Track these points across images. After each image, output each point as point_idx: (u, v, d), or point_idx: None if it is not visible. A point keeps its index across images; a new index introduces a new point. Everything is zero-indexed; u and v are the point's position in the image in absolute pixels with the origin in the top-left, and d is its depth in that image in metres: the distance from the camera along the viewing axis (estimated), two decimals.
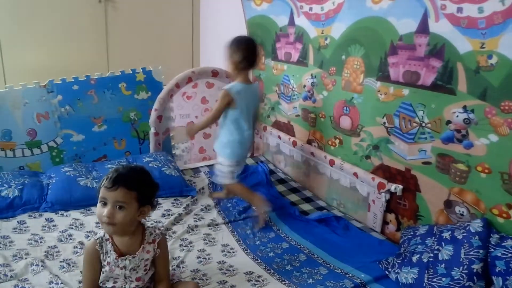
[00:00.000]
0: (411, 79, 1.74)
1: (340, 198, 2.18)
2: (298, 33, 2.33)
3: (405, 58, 1.74)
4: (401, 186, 1.83)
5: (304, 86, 2.35)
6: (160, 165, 2.31)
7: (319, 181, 2.31)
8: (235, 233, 1.92)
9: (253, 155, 2.89)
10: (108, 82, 2.44)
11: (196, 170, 2.54)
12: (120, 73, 2.48)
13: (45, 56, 2.95)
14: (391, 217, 1.93)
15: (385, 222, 1.95)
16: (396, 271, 1.55)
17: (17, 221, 1.86)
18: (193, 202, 2.18)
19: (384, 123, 1.88)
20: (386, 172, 1.91)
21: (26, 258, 1.61)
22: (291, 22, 2.37)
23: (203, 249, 1.77)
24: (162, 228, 1.82)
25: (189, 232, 1.89)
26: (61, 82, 2.33)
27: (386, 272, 1.59)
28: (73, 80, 2.36)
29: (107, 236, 1.33)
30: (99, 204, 1.27)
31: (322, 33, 2.16)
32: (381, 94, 1.88)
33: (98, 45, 3.16)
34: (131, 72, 2.51)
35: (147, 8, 3.29)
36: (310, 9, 2.21)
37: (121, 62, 3.05)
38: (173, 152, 2.76)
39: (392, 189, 1.85)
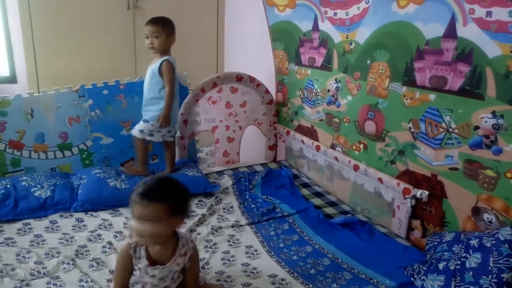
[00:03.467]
0: (438, 84, 1.72)
1: (364, 203, 2.17)
2: (322, 38, 2.34)
3: (431, 63, 1.73)
4: (427, 192, 1.81)
5: (328, 90, 2.35)
6: (182, 170, 2.40)
7: (342, 186, 2.31)
8: (259, 234, 1.94)
9: (276, 160, 2.91)
10: (136, 87, 2.50)
11: (220, 173, 2.57)
12: None
13: (77, 62, 3.05)
14: (416, 223, 1.90)
15: (410, 228, 1.93)
16: (422, 278, 1.53)
17: (49, 221, 1.93)
18: (216, 202, 2.21)
19: (410, 128, 1.87)
20: (411, 178, 1.90)
21: (57, 257, 1.67)
22: (315, 27, 2.38)
23: (227, 250, 1.79)
24: (195, 241, 1.71)
25: (213, 234, 1.92)
26: (91, 87, 2.41)
27: (412, 279, 1.57)
28: (103, 85, 2.43)
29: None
30: (135, 221, 1.27)
31: (346, 38, 2.16)
32: (406, 99, 1.87)
33: (127, 50, 3.25)
34: None
35: (173, 15, 3.32)
36: (335, 14, 2.21)
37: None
38: (198, 156, 2.81)
39: (418, 195, 1.83)
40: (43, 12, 2.91)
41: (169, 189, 1.31)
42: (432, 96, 1.75)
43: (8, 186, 2.00)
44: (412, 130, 1.86)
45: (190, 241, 1.42)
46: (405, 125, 1.89)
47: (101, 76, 2.53)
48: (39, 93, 2.37)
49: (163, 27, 2.24)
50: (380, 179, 2.01)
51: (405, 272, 1.61)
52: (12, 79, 3.16)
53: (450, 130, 1.69)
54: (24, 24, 2.91)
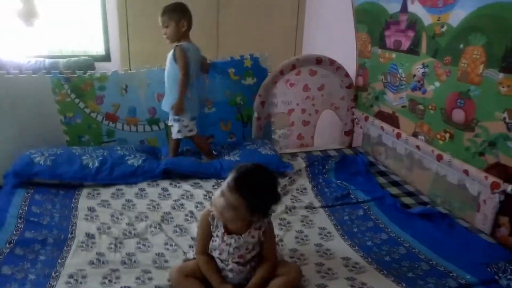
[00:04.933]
0: None
1: (445, 196, 2.07)
2: (410, 20, 2.23)
3: None
4: None
5: (414, 75, 2.25)
6: (256, 147, 2.45)
7: (422, 176, 2.22)
8: (332, 218, 1.95)
9: (351, 146, 2.86)
10: (219, 67, 2.59)
11: (293, 155, 2.60)
12: (230, 59, 2.63)
13: (163, 43, 3.23)
14: (504, 220, 1.78)
15: (496, 225, 1.81)
16: (509, 277, 1.44)
17: (139, 188, 2.11)
18: (290, 182, 2.25)
19: (505, 118, 1.73)
20: (502, 172, 1.77)
21: (146, 220, 1.84)
22: (404, 9, 2.27)
23: (301, 230, 1.83)
24: (270, 216, 1.84)
25: (287, 213, 1.97)
26: None
27: (496, 277, 1.48)
28: None
29: None
30: (218, 193, 1.35)
31: (438, 20, 2.04)
32: (503, 87, 1.73)
33: (210, 31, 3.37)
34: (239, 58, 2.64)
35: None
36: None
37: (229, 48, 3.22)
38: (273, 137, 2.86)
39: (509, 190, 1.71)
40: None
41: (256, 186, 1.32)
42: None
43: (105, 154, 2.21)
44: (507, 120, 1.72)
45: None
46: (499, 115, 1.76)
47: None
48: (131, 70, 2.56)
49: (170, 15, 2.21)
50: (465, 171, 1.90)
51: (489, 269, 1.53)
52: (106, 58, 3.45)
53: None
54: (120, 8, 3.15)
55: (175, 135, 2.32)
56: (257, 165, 1.38)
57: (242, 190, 1.29)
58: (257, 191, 1.32)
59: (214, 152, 2.44)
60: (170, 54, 2.25)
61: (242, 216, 1.35)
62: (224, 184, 1.34)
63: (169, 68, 2.27)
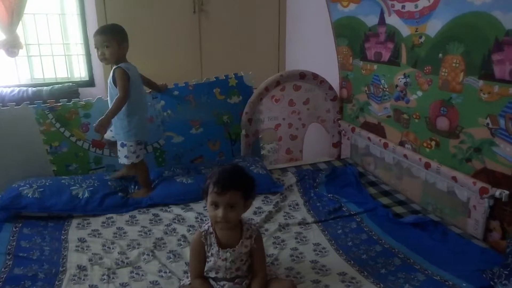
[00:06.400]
0: None
1: (436, 203, 2.09)
2: (389, 32, 2.28)
3: None
4: (507, 192, 1.70)
5: (396, 86, 2.29)
6: (248, 164, 2.43)
7: (412, 185, 2.24)
8: (326, 232, 1.95)
9: (340, 157, 2.88)
10: (204, 87, 2.60)
11: (283, 170, 2.61)
12: (215, 79, 2.64)
13: (147, 65, 3.21)
14: (495, 224, 1.80)
15: (488, 230, 1.83)
16: (504, 282, 1.45)
17: (129, 215, 2.08)
18: (282, 199, 2.25)
19: (488, 124, 1.77)
20: (489, 176, 1.79)
21: (138, 248, 1.81)
22: (382, 21, 2.32)
23: (295, 247, 1.82)
24: (257, 224, 1.91)
25: (281, 231, 1.96)
26: None
27: (491, 283, 1.49)
28: (173, 86, 2.56)
29: (211, 229, 1.45)
30: (210, 207, 1.39)
31: (416, 31, 2.09)
32: (484, 94, 1.77)
33: (193, 53, 3.39)
34: (224, 78, 2.66)
35: (236, 17, 3.45)
36: (403, 7, 2.14)
37: (213, 68, 3.24)
38: (262, 153, 2.87)
39: (497, 194, 1.73)
40: (117, 20, 3.11)
41: (240, 178, 1.43)
42: None
43: (95, 184, 2.20)
44: (490, 126, 1.76)
45: (253, 225, 1.54)
46: (482, 121, 1.79)
47: (169, 78, 2.64)
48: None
49: (114, 35, 2.06)
50: (454, 178, 1.93)
51: (484, 275, 1.54)
52: (90, 83, 3.44)
53: None
54: None
55: (122, 160, 2.20)
56: (225, 165, 1.51)
57: (233, 184, 1.37)
58: (243, 178, 1.43)
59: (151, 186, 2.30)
60: (110, 78, 2.11)
61: (239, 210, 1.41)
62: (211, 196, 1.38)
63: (111, 92, 2.12)
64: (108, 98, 2.17)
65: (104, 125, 2.01)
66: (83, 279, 1.59)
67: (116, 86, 2.07)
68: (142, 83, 2.26)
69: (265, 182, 2.32)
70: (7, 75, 3.27)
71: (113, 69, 2.10)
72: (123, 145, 2.17)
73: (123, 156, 2.18)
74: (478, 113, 1.81)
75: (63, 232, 1.93)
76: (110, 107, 2.06)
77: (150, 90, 2.49)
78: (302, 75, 2.72)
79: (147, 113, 2.30)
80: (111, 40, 2.05)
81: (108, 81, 2.14)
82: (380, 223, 1.97)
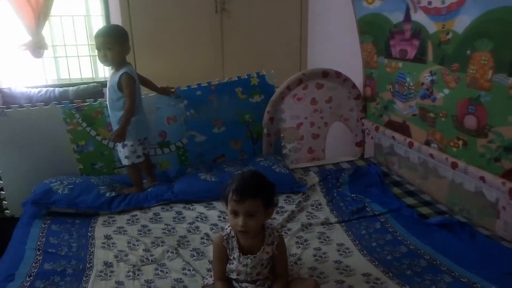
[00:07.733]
0: None
1: (463, 203, 2.04)
2: (415, 29, 2.23)
3: None
4: None
5: (422, 84, 2.24)
6: (270, 164, 2.43)
7: (438, 185, 2.19)
8: (350, 232, 1.92)
9: (364, 157, 2.84)
10: (227, 87, 2.61)
11: (305, 169, 2.59)
12: (237, 78, 2.65)
13: (170, 65, 3.27)
14: None
15: None
16: None
17: (153, 213, 2.11)
18: (304, 198, 2.23)
19: None
20: None
21: (162, 246, 1.83)
22: (407, 18, 2.28)
23: (318, 247, 1.81)
24: (280, 230, 1.82)
25: (304, 230, 1.95)
26: (186, 88, 2.57)
27: None
28: (196, 86, 2.58)
29: (232, 233, 1.44)
30: (230, 215, 1.38)
31: (443, 27, 2.04)
32: None
33: (215, 52, 3.40)
34: (246, 77, 2.66)
35: (258, 15, 3.45)
36: (429, 3, 2.10)
37: (235, 67, 3.25)
38: (283, 152, 2.86)
39: None
40: (140, 21, 3.17)
41: (260, 185, 1.40)
42: None
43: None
44: None
45: (276, 231, 1.49)
46: None
47: (192, 78, 2.67)
48: (142, 96, 2.59)
49: (116, 37, 2.06)
50: (482, 178, 1.87)
51: None
52: None
53: None
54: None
55: (123, 161, 2.24)
56: (244, 172, 1.49)
57: (252, 192, 1.34)
58: (262, 186, 1.40)
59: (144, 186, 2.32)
60: (112, 82, 2.11)
61: (260, 218, 1.38)
62: (231, 203, 1.36)
63: (112, 95, 2.14)
64: (108, 101, 2.21)
65: (121, 135, 2.12)
66: (110, 276, 1.62)
67: (119, 90, 2.10)
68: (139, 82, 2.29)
69: (287, 182, 2.32)
70: (35, 76, 3.37)
71: (119, 74, 2.09)
72: (123, 146, 2.21)
73: (124, 157, 2.22)
74: (508, 112, 1.75)
75: (89, 229, 1.97)
76: (111, 112, 2.18)
77: (174, 90, 2.52)
78: (325, 74, 2.69)
79: (144, 111, 2.28)
80: (114, 42, 2.06)
81: (110, 84, 2.14)
82: (405, 223, 1.94)
